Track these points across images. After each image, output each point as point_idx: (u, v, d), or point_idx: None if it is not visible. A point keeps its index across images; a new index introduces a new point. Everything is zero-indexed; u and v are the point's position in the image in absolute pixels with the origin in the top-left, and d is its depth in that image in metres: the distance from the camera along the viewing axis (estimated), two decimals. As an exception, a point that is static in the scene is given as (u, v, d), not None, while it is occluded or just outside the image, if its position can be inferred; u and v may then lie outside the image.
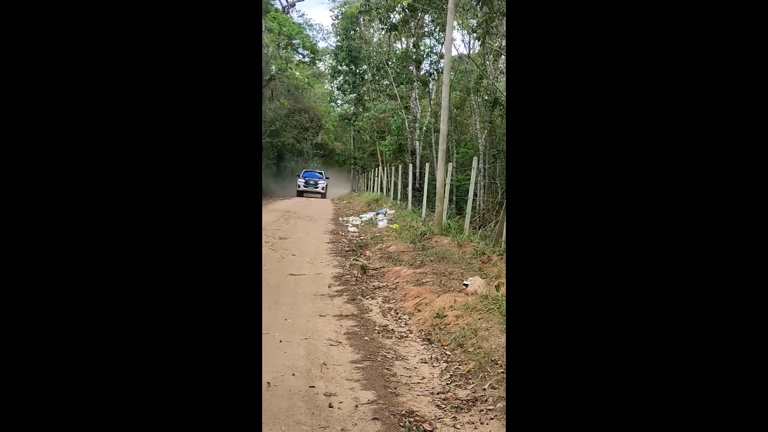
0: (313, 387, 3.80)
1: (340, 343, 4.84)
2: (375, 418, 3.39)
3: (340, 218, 16.58)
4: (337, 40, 31.31)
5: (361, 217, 15.93)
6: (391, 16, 22.19)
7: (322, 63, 41.70)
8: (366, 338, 5.03)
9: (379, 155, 29.20)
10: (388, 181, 22.26)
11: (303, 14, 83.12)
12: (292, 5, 35.22)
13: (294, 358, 4.36)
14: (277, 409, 3.41)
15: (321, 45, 40.82)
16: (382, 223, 13.76)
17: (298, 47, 34.74)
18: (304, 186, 30.10)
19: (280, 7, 33.99)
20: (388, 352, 4.66)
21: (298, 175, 31.97)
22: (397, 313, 5.94)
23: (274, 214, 16.63)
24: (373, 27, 29.12)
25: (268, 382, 3.78)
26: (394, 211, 16.05)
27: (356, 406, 3.55)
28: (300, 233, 12.44)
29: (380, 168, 26.34)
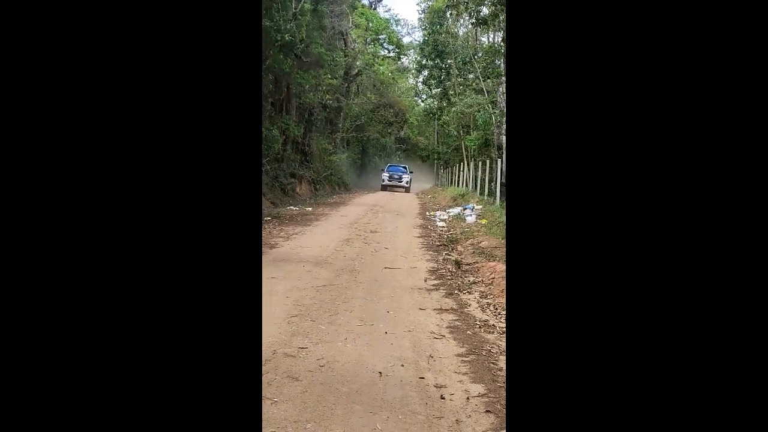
0: (423, 378, 3.88)
1: (444, 336, 4.91)
2: (488, 411, 3.43)
3: (427, 213, 16.64)
4: (423, 35, 31.33)
5: (448, 212, 15.93)
6: (481, 10, 21.98)
7: (406, 58, 41.92)
8: (468, 332, 5.07)
9: (463, 150, 29.05)
10: (474, 176, 22.12)
11: (389, 9, 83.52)
12: (379, 0, 35.53)
13: (401, 349, 4.46)
14: (392, 398, 3.51)
15: (406, 40, 41.03)
16: (470, 219, 13.71)
17: (383, 42, 35.05)
18: (389, 180, 30.31)
19: (367, 3, 34.38)
20: (491, 347, 4.69)
21: (383, 170, 32.17)
22: (496, 309, 5.93)
23: (362, 208, 16.91)
24: (460, 21, 28.95)
25: (380, 372, 3.90)
26: (481, 207, 15.95)
27: (467, 398, 3.61)
28: (389, 227, 12.60)
29: (465, 163, 26.21)
